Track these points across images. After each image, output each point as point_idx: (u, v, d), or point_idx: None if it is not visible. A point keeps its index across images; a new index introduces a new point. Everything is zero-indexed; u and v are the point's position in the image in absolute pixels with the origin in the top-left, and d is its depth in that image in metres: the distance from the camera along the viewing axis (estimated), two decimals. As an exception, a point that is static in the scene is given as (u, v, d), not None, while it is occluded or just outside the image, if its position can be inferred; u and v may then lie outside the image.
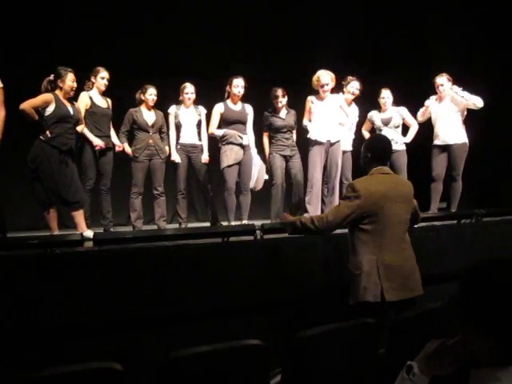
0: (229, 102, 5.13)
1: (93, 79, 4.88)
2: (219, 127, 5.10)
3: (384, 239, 2.91)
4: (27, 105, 4.15)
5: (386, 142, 3.19)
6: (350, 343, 2.05)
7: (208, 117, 5.27)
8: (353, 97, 5.57)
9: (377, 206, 2.88)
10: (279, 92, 5.18)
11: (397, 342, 2.11)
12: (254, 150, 5.18)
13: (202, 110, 5.33)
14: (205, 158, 5.26)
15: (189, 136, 5.24)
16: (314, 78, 5.15)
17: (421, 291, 3.03)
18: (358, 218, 2.90)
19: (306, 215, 3.05)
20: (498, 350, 1.24)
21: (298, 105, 5.41)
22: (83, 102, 4.77)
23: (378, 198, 2.89)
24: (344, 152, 5.41)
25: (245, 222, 4.97)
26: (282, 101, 5.20)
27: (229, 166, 4.97)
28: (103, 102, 4.93)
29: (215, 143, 5.24)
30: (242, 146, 5.02)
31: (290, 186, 5.31)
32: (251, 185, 5.10)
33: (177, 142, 5.23)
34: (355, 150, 5.42)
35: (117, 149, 4.99)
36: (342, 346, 2.02)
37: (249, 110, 5.19)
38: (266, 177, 5.28)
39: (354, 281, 2.94)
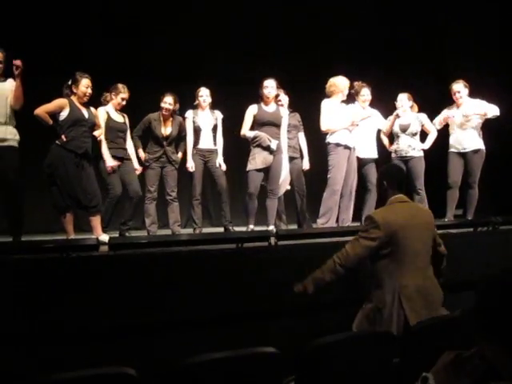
0: (262, 104, 5.05)
1: (113, 96, 4.92)
2: (252, 129, 5.02)
3: (405, 269, 2.87)
4: (41, 110, 4.22)
5: (399, 169, 3.30)
6: (364, 352, 2.03)
7: (228, 121, 5.28)
8: (367, 103, 5.54)
9: (396, 236, 2.85)
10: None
11: (412, 351, 2.09)
12: (285, 155, 5.10)
13: (219, 115, 5.31)
14: (219, 161, 5.24)
15: (206, 141, 5.22)
16: (338, 83, 5.10)
17: (444, 311, 2.96)
18: (379, 250, 2.89)
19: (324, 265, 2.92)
20: None
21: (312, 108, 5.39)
22: (101, 116, 4.81)
23: (397, 228, 2.86)
24: (370, 160, 5.41)
25: (271, 227, 4.86)
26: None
27: (254, 170, 4.90)
28: (119, 117, 4.98)
29: (235, 147, 5.22)
30: (270, 149, 4.91)
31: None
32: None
33: (194, 147, 5.21)
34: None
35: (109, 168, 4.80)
36: (355, 355, 2.01)
37: (283, 112, 5.11)
38: (288, 187, 5.31)
39: (375, 313, 2.88)
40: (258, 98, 5.06)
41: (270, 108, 5.05)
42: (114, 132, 4.90)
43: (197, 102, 5.29)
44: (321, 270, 2.91)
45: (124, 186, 4.90)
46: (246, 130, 5.01)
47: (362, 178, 5.40)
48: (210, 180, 5.33)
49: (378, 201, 3.23)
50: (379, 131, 5.71)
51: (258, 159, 4.88)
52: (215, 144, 5.27)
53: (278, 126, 5.00)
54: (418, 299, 2.85)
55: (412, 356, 2.08)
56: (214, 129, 5.27)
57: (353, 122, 5.06)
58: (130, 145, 5.07)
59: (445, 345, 2.17)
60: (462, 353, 1.41)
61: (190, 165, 5.16)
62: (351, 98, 5.44)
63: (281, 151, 5.01)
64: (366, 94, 5.49)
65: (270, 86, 4.98)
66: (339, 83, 5.10)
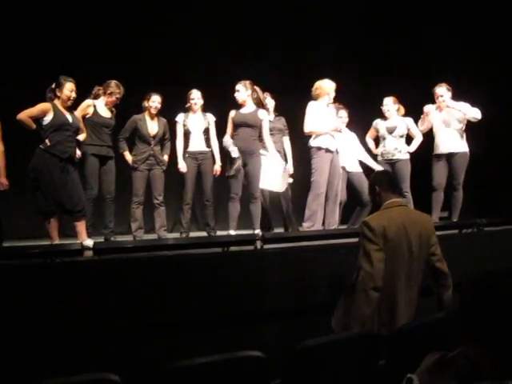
0: (242, 107, 5.07)
1: (107, 93, 4.87)
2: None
3: (396, 278, 2.79)
4: (24, 115, 4.17)
5: (386, 172, 3.20)
6: (350, 354, 2.04)
7: (219, 124, 5.28)
8: (343, 124, 5.59)
9: (389, 245, 2.75)
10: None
11: (397, 353, 2.10)
12: (274, 156, 5.10)
13: (211, 118, 5.29)
14: (216, 168, 5.22)
15: (197, 143, 5.19)
16: (323, 86, 5.12)
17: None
18: None
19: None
20: (499, 363, 1.23)
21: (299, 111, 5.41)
22: (83, 108, 4.77)
23: (392, 234, 2.76)
24: (355, 173, 5.47)
25: (257, 231, 4.83)
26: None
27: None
28: (107, 112, 4.94)
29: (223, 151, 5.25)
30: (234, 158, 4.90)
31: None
32: (273, 188, 5.07)
33: (185, 151, 5.19)
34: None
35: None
36: (341, 357, 2.01)
37: (262, 115, 5.05)
38: (290, 180, 5.35)
39: (348, 315, 2.78)
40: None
41: (247, 109, 5.03)
42: (99, 127, 4.85)
43: (188, 104, 5.27)
44: (358, 307, 2.70)
45: (99, 184, 4.87)
46: (226, 137, 5.04)
47: (356, 191, 5.46)
48: (197, 184, 5.28)
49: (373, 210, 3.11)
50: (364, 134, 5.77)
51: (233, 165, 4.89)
52: (208, 146, 5.24)
53: (252, 127, 4.97)
54: (399, 311, 2.78)
55: (398, 357, 2.09)
56: (206, 131, 5.24)
57: (336, 127, 5.09)
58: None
59: (430, 346, 2.18)
60: (446, 353, 1.42)
61: (182, 165, 5.13)
62: None
63: (257, 154, 4.97)
64: (343, 116, 5.56)
65: (236, 90, 5.00)
66: (325, 86, 5.12)
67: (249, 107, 5.04)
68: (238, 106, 5.08)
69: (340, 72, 5.70)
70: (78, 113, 4.67)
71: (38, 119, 4.23)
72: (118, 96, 4.89)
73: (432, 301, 2.98)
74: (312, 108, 5.09)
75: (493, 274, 1.28)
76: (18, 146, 4.54)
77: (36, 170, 4.15)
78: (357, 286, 2.72)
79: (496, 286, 1.24)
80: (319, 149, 5.01)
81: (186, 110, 5.28)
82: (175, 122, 5.25)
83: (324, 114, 5.11)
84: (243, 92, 5.01)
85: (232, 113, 5.06)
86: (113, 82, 4.90)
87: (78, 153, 4.64)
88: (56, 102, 4.31)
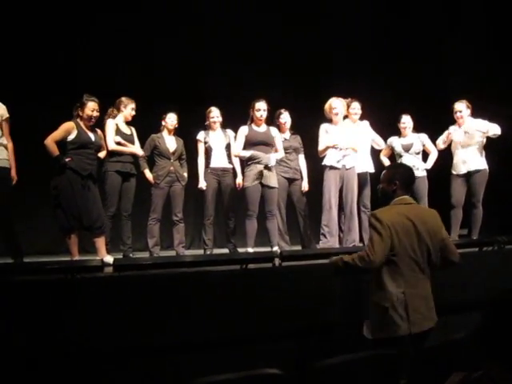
0: (253, 125, 5.11)
1: (122, 108, 4.99)
2: (243, 149, 5.06)
3: (407, 271, 2.86)
4: (50, 139, 4.24)
5: (411, 171, 3.18)
6: (369, 374, 2.02)
7: None
8: (357, 117, 5.56)
9: (399, 237, 2.83)
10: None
11: (418, 373, 2.08)
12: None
13: (231, 133, 5.34)
14: (238, 181, 5.24)
15: (219, 160, 5.25)
16: (326, 106, 5.19)
17: (436, 320, 2.96)
18: None
19: (346, 255, 3.01)
20: None
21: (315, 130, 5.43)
22: (111, 127, 4.87)
23: (400, 228, 2.84)
24: (362, 174, 5.38)
25: (275, 248, 4.85)
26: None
27: (251, 187, 4.90)
28: (127, 130, 5.04)
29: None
30: (269, 166, 4.96)
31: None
32: None
33: (207, 167, 5.24)
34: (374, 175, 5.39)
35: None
36: (360, 377, 1.99)
37: (274, 132, 5.17)
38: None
39: (380, 314, 2.86)
40: (249, 119, 5.13)
41: (261, 128, 5.11)
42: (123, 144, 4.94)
43: (207, 122, 5.33)
44: (342, 263, 2.96)
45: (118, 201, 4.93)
46: (239, 150, 5.06)
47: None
48: (220, 200, 5.30)
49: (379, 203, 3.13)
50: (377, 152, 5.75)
51: (252, 175, 4.91)
52: (230, 162, 5.29)
53: (269, 145, 5.06)
54: (419, 301, 2.86)
55: (419, 377, 2.06)
56: (228, 147, 5.29)
57: (334, 144, 5.07)
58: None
59: (452, 366, 2.16)
60: (470, 373, 1.39)
61: (203, 185, 5.19)
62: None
63: (272, 171, 5.03)
64: (356, 107, 5.51)
65: (262, 109, 5.05)
66: (327, 106, 5.19)
67: (263, 126, 5.14)
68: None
69: (356, 90, 5.73)
70: (110, 132, 4.80)
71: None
72: (132, 106, 5.00)
73: (458, 319, 2.98)
74: (321, 130, 5.21)
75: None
76: (36, 164, 4.63)
77: (58, 188, 4.22)
78: (356, 256, 2.88)
79: None
80: (325, 166, 5.13)
81: (206, 128, 5.34)
82: (196, 140, 5.31)
83: (333, 134, 5.14)
84: (266, 111, 5.10)
85: (244, 130, 5.08)
86: (122, 97, 5.02)
87: None
88: (79, 120, 4.41)
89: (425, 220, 2.94)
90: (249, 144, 5.03)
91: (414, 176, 3.20)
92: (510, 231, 5.57)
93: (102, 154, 4.73)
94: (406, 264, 2.85)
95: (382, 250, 2.80)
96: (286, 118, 5.46)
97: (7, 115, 4.20)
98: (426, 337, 2.84)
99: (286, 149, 5.29)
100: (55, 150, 4.25)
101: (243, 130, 5.08)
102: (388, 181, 3.01)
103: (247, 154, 4.99)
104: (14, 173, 4.21)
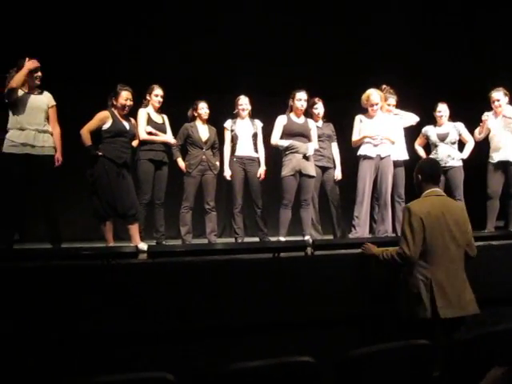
0: (292, 115, 5.10)
1: (148, 97, 5.05)
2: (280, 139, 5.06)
3: (437, 260, 3.09)
4: (85, 130, 4.37)
5: (435, 163, 3.49)
6: (403, 364, 2.00)
7: (266, 130, 5.31)
8: (392, 109, 5.45)
9: (431, 227, 3.08)
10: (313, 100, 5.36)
11: (453, 365, 2.05)
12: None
13: (258, 124, 5.34)
14: (260, 171, 5.25)
15: (245, 148, 5.24)
16: (364, 96, 5.13)
17: (476, 310, 3.14)
18: None
19: (388, 248, 3.30)
20: None
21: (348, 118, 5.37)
22: (143, 117, 4.93)
23: (432, 219, 3.09)
24: (397, 162, 5.29)
25: (307, 237, 4.82)
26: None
27: (289, 176, 4.91)
28: (159, 118, 5.09)
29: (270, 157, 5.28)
30: (307, 156, 4.98)
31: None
32: None
33: (233, 155, 5.24)
34: (408, 165, 5.30)
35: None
36: (394, 367, 1.98)
37: (311, 124, 5.16)
38: None
39: (409, 299, 3.13)
40: (288, 108, 5.10)
41: (300, 119, 5.09)
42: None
43: (236, 110, 5.33)
44: (383, 258, 3.27)
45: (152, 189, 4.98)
46: (277, 139, 5.05)
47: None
48: (247, 189, 5.30)
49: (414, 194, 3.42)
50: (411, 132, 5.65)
51: (290, 165, 4.91)
52: (256, 151, 5.29)
53: (307, 136, 5.04)
54: (450, 297, 3.04)
55: (453, 369, 2.04)
56: (255, 136, 5.29)
57: (372, 135, 5.01)
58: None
59: (486, 359, 2.12)
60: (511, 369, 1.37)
61: (228, 173, 5.20)
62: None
63: (312, 160, 5.05)
64: (391, 103, 5.40)
65: (302, 99, 5.02)
66: (363, 98, 5.14)
67: (302, 117, 5.13)
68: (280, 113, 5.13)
69: (391, 77, 5.62)
70: (142, 121, 4.87)
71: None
72: (156, 93, 5.04)
73: (496, 312, 2.99)
74: (356, 120, 5.18)
75: None
76: (73, 152, 4.73)
77: (94, 175, 4.32)
78: (395, 252, 3.17)
79: None
80: (359, 157, 5.09)
81: (234, 117, 5.35)
82: (223, 128, 5.32)
83: (366, 125, 5.09)
84: (306, 101, 5.07)
85: (283, 119, 5.07)
86: (153, 85, 5.06)
87: None
88: (113, 109, 4.48)
89: (454, 212, 3.20)
90: (286, 134, 5.01)
91: (439, 169, 3.45)
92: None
93: (134, 143, 4.80)
94: (435, 254, 3.08)
95: (416, 245, 3.07)
96: (319, 108, 5.42)
97: (54, 103, 4.32)
98: (457, 326, 3.07)
99: (319, 136, 5.28)
100: (88, 140, 4.35)
101: (282, 120, 5.06)
102: (415, 175, 3.34)
103: (285, 143, 4.99)
104: (59, 154, 4.30)
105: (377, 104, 5.05)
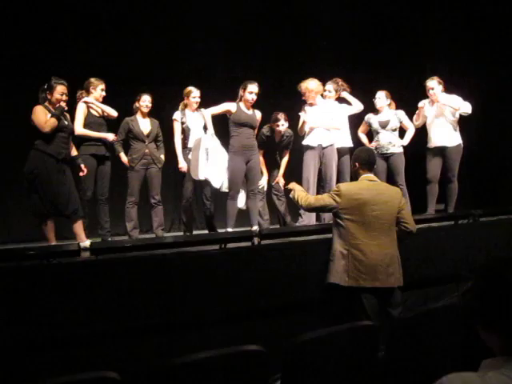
0: (241, 104, 4.87)
1: (92, 90, 4.87)
2: (228, 129, 4.89)
3: (357, 235, 3.49)
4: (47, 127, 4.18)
5: (371, 152, 3.86)
6: (349, 346, 2.04)
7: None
8: (331, 95, 5.47)
9: (355, 206, 3.50)
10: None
11: (396, 344, 2.11)
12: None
13: (205, 113, 5.25)
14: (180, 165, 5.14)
15: None
16: (302, 87, 5.13)
17: (399, 283, 3.54)
18: (338, 213, 3.58)
19: (302, 192, 3.82)
20: (509, 348, 1.25)
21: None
22: (80, 111, 4.77)
23: (357, 199, 3.51)
24: (342, 150, 5.38)
25: (255, 227, 4.78)
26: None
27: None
28: (98, 112, 4.92)
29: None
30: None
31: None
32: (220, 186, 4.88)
33: (185, 148, 5.14)
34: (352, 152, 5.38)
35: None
36: (340, 350, 2.02)
37: (258, 115, 5.01)
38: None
39: (329, 264, 3.60)
40: (238, 98, 4.90)
41: (249, 111, 4.98)
42: (96, 127, 4.83)
43: (187, 101, 5.20)
44: (293, 196, 3.83)
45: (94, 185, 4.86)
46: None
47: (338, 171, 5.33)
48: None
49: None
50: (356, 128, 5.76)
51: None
52: None
53: (253, 127, 4.94)
54: (365, 262, 3.45)
55: (397, 348, 2.10)
56: (205, 128, 5.14)
57: (303, 121, 5.09)
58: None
59: (429, 336, 2.20)
60: None
61: (183, 165, 5.08)
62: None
63: (256, 151, 4.94)
64: (328, 89, 5.43)
65: (254, 92, 4.81)
66: (302, 88, 5.13)
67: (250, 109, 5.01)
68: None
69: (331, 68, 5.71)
70: (80, 116, 4.72)
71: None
72: (102, 87, 4.89)
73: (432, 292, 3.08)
74: (301, 113, 5.19)
75: (501, 262, 1.31)
76: (12, 148, 4.54)
77: (34, 172, 4.14)
78: (304, 197, 3.76)
79: (503, 274, 1.27)
80: (303, 147, 5.17)
81: (181, 108, 5.24)
82: (172, 120, 5.17)
83: (310, 113, 5.14)
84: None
85: (232, 106, 4.86)
86: (91, 79, 4.90)
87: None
88: (47, 104, 4.29)
89: (385, 194, 3.59)
90: (234, 124, 4.82)
91: (374, 157, 3.84)
92: (485, 204, 5.68)
93: (111, 137, 4.78)
94: (354, 228, 3.50)
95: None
96: (282, 126, 5.31)
97: None
98: (386, 296, 3.49)
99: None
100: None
101: (231, 106, 4.83)
102: (352, 162, 3.78)
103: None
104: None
105: (313, 91, 5.08)
